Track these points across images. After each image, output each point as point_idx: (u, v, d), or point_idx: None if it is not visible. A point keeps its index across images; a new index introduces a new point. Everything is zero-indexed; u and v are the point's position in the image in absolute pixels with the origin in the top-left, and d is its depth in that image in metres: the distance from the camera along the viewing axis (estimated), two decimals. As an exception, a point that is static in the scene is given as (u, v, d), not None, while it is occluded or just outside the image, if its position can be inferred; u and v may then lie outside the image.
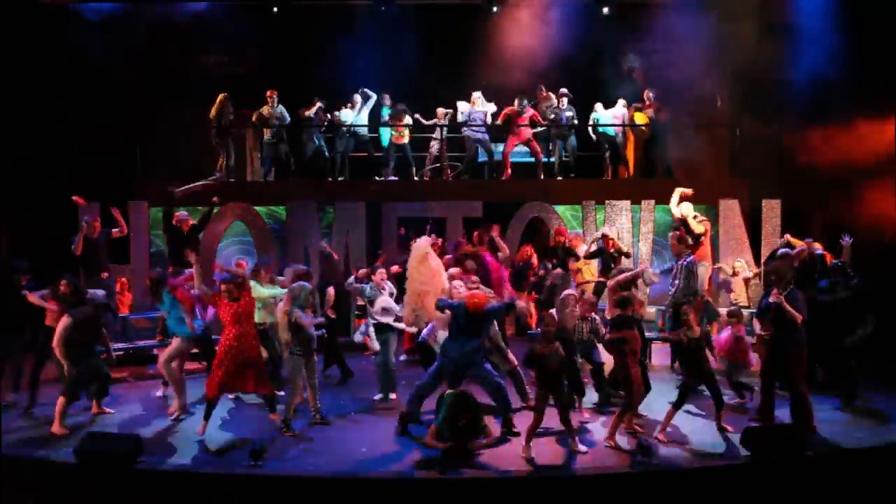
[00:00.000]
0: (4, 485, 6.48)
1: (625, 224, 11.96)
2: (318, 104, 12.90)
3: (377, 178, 13.21)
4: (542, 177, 12.89)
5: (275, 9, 13.65)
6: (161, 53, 13.14)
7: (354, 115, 13.15)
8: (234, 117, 12.74)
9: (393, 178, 13.05)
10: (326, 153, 12.98)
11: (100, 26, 12.55)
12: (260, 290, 8.64)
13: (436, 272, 8.23)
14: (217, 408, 7.70)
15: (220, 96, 12.54)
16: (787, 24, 12.12)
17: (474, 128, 12.80)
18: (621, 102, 13.19)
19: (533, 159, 12.98)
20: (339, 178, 13.08)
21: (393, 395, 8.67)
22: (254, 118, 12.96)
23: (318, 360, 8.13)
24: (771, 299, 7.44)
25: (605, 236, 10.37)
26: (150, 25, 13.06)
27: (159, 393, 8.81)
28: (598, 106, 13.17)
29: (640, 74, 13.72)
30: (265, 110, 12.84)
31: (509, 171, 12.91)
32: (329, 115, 13.12)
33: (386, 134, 13.16)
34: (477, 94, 12.87)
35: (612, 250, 10.19)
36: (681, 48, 12.78)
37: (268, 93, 12.81)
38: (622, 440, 7.20)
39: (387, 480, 6.51)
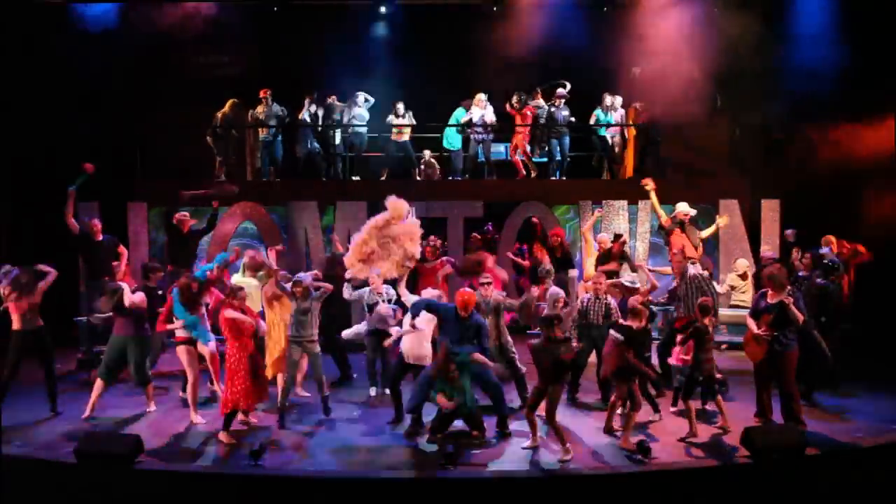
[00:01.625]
0: (4, 485, 6.48)
1: (622, 224, 11.99)
2: (309, 101, 12.85)
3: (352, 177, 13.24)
4: (531, 176, 12.99)
5: (275, 8, 13.65)
6: (161, 53, 13.13)
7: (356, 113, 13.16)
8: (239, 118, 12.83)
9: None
10: (320, 154, 12.98)
11: (100, 26, 12.54)
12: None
13: (402, 235, 8.06)
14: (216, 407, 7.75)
15: (230, 102, 12.66)
16: (788, 24, 12.12)
17: (477, 129, 12.83)
18: (619, 101, 13.21)
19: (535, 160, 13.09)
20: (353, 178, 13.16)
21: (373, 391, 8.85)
22: (249, 118, 12.98)
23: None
24: (770, 301, 7.47)
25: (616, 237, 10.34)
26: (150, 25, 13.05)
27: (181, 394, 8.77)
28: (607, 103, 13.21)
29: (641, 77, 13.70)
30: (260, 110, 12.85)
31: (523, 171, 13.03)
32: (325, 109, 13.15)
33: (451, 135, 13.12)
34: (481, 97, 12.89)
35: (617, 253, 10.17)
36: (680, 47, 12.77)
37: (261, 93, 12.82)
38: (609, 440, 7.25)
39: (387, 480, 6.51)
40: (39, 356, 8.35)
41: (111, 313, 8.29)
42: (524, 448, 7.05)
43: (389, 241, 8.01)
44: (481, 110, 12.88)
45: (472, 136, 12.95)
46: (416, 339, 7.82)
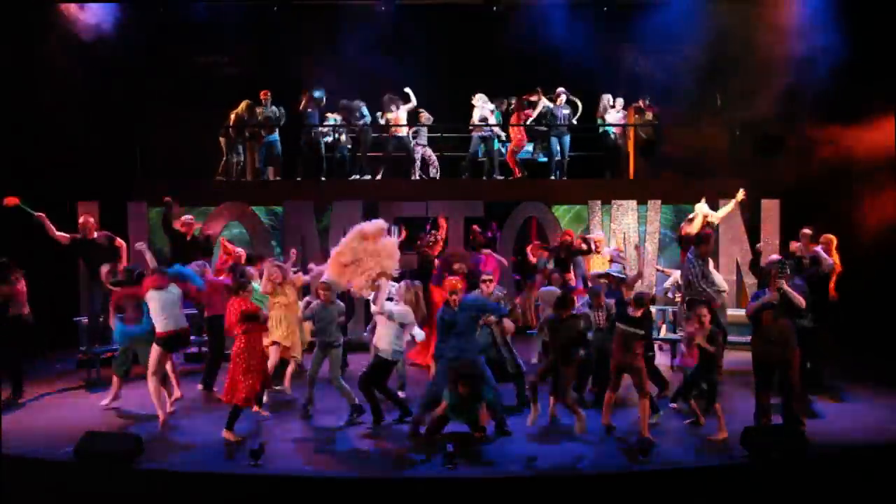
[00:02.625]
0: (4, 485, 6.48)
1: (630, 224, 11.98)
2: (311, 95, 12.92)
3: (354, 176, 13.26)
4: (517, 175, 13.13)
5: (275, 8, 13.66)
6: (161, 53, 13.13)
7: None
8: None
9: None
10: (323, 151, 13.02)
11: (100, 26, 12.54)
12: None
13: (381, 251, 8.07)
14: (216, 407, 7.77)
15: (245, 103, 12.75)
16: (788, 23, 12.11)
17: (484, 129, 12.91)
18: (620, 103, 13.25)
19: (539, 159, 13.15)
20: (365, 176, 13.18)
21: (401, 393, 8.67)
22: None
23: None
24: (766, 296, 7.46)
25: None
26: (150, 25, 13.05)
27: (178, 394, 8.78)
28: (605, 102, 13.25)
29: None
30: (259, 111, 12.88)
31: (518, 173, 13.15)
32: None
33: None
34: (479, 95, 12.93)
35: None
36: (680, 48, 12.78)
37: (261, 94, 12.84)
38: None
39: (387, 480, 6.52)
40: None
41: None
42: (529, 425, 7.34)
43: (366, 257, 8.01)
44: (480, 109, 12.93)
45: (473, 136, 13.01)
46: (388, 336, 7.85)
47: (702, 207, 10.32)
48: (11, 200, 9.34)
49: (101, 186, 11.33)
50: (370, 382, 7.84)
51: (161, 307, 7.85)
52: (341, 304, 8.42)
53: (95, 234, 9.91)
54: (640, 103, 13.10)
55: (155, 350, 7.86)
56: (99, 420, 7.97)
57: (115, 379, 8.36)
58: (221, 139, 12.88)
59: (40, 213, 9.46)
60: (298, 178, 13.04)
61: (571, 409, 7.20)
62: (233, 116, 12.81)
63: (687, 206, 11.71)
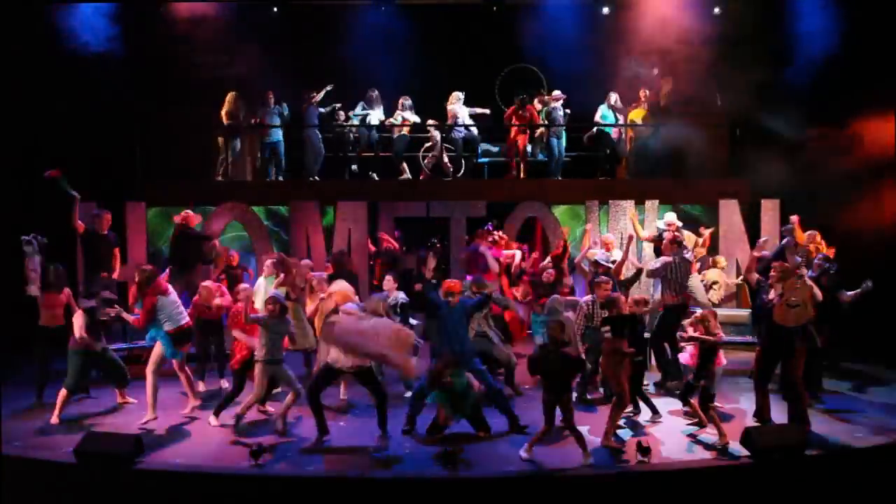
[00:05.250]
0: (4, 485, 6.48)
1: (627, 224, 11.97)
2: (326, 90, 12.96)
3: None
4: (513, 174, 13.10)
5: (275, 8, 13.66)
6: (160, 53, 13.13)
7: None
8: (245, 115, 12.90)
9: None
10: (322, 153, 13.03)
11: (99, 25, 12.55)
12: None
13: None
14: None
15: (231, 95, 12.71)
16: (789, 21, 12.13)
17: (457, 128, 12.90)
18: (616, 98, 13.24)
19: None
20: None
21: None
22: (255, 120, 13.02)
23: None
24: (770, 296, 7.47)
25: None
26: (150, 25, 13.05)
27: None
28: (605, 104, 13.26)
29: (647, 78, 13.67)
30: (262, 112, 12.89)
31: (516, 172, 13.13)
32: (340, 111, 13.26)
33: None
34: (458, 95, 12.96)
35: None
36: (680, 47, 12.78)
37: (266, 95, 12.86)
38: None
39: (387, 480, 6.52)
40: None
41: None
42: (523, 458, 6.83)
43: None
44: (465, 108, 12.96)
45: (455, 135, 13.01)
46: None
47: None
48: (53, 173, 9.43)
49: (100, 186, 11.31)
50: (318, 391, 7.43)
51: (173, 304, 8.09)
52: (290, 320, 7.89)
53: (106, 231, 9.99)
54: (641, 95, 13.11)
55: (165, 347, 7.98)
56: (99, 420, 7.98)
57: (64, 392, 8.11)
58: (220, 139, 12.88)
59: (75, 194, 9.58)
60: (302, 179, 13.03)
61: (579, 441, 6.76)
62: (224, 115, 12.78)
63: (686, 206, 11.77)
